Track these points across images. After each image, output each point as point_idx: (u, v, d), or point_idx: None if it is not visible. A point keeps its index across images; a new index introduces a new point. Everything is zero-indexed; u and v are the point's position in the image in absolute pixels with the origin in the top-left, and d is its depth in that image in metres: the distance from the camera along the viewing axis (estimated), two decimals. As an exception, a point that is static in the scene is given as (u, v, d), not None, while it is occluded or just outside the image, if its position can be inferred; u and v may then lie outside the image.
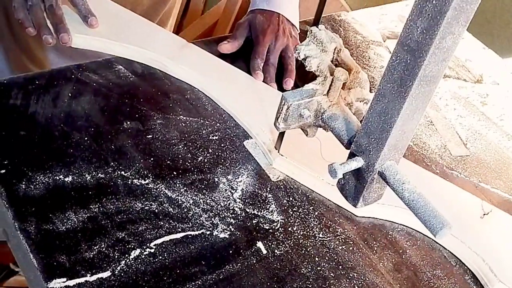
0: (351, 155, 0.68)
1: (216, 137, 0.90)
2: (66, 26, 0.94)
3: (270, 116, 0.85)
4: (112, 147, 0.84)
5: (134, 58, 0.97)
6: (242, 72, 1.01)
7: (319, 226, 0.83)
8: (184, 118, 0.91)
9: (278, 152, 0.87)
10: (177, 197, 0.80)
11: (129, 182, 0.80)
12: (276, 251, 0.78)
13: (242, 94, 0.96)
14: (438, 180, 0.93)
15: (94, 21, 0.96)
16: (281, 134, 0.86)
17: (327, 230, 0.83)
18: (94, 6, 0.98)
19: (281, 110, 0.73)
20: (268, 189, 0.85)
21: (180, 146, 0.87)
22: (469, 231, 0.86)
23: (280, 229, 0.81)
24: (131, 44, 0.97)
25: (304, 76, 0.95)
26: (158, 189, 0.80)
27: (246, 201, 0.83)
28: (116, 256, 0.72)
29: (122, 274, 0.70)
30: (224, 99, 0.95)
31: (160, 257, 0.73)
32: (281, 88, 1.01)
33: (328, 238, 0.82)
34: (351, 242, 0.82)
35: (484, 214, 0.90)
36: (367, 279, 0.78)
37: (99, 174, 0.80)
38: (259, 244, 0.78)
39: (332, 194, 0.86)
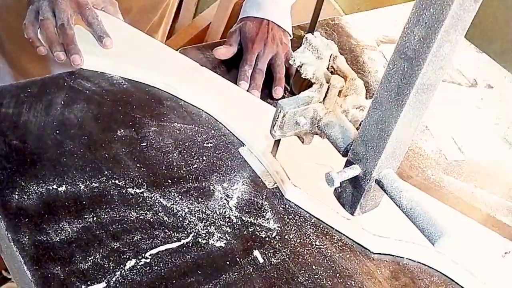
0: (348, 163, 0.68)
1: (211, 144, 0.89)
2: (77, 46, 0.92)
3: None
4: (106, 155, 0.83)
5: (145, 81, 0.95)
6: (261, 101, 0.98)
7: (315, 233, 0.82)
8: (179, 125, 0.90)
9: (274, 156, 0.87)
10: (172, 205, 0.79)
11: (124, 191, 0.79)
12: (272, 259, 0.77)
13: (259, 125, 0.91)
14: (459, 216, 0.90)
15: (108, 41, 0.95)
16: (277, 142, 0.85)
17: (323, 237, 0.82)
18: (106, 27, 0.96)
19: (277, 118, 0.73)
20: (264, 196, 0.85)
21: (174, 154, 0.86)
22: (489, 271, 0.83)
23: (276, 237, 0.80)
24: (143, 67, 0.95)
25: (300, 84, 0.94)
26: (153, 198, 0.79)
27: (242, 209, 0.82)
28: (111, 267, 0.71)
29: (118, 285, 0.69)
30: (239, 130, 0.92)
31: (156, 267, 0.72)
32: (271, 97, 1.00)
33: (325, 246, 0.81)
34: (348, 250, 0.82)
35: (505, 253, 0.87)
36: (365, 287, 0.78)
37: (93, 183, 0.79)
38: (256, 253, 0.77)
39: (348, 229, 0.83)
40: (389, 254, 0.83)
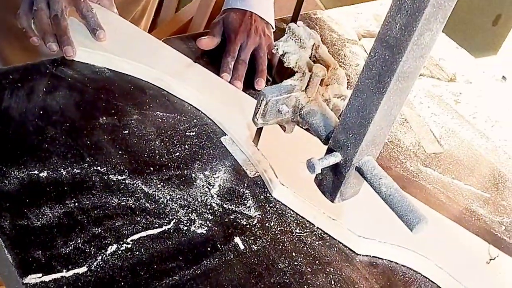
0: (329, 151, 0.69)
1: (193, 133, 0.90)
2: (70, 38, 0.92)
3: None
4: (88, 142, 0.83)
5: (138, 75, 0.95)
6: (248, 96, 0.98)
7: (296, 221, 0.83)
8: (161, 114, 0.91)
9: (255, 146, 0.87)
10: (154, 192, 0.80)
11: (105, 178, 0.79)
12: (253, 246, 0.78)
13: (246, 118, 0.92)
14: (443, 221, 0.91)
15: (102, 34, 0.94)
16: (259, 131, 0.86)
17: (304, 225, 0.83)
18: (101, 20, 0.96)
19: (260, 106, 0.73)
20: (245, 185, 0.85)
21: (157, 142, 0.86)
22: (473, 276, 0.83)
23: (257, 224, 0.81)
24: (136, 61, 0.95)
25: (283, 72, 0.95)
26: (135, 185, 0.80)
27: (224, 196, 0.83)
28: (93, 252, 0.71)
29: (99, 269, 0.70)
30: (227, 123, 0.92)
31: (137, 253, 0.73)
32: (253, 88, 1.01)
33: (305, 234, 0.82)
34: (328, 238, 0.83)
35: (490, 259, 0.87)
36: (344, 273, 0.79)
37: (75, 170, 0.79)
38: (237, 240, 0.78)
39: (332, 228, 0.83)
40: (374, 256, 0.83)
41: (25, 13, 0.94)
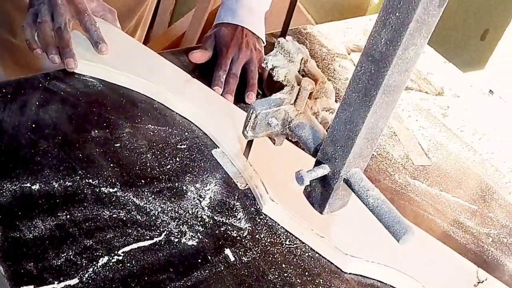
0: (318, 163, 0.70)
1: (184, 146, 0.91)
2: (72, 51, 0.93)
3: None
4: (80, 155, 0.84)
5: (137, 89, 0.96)
6: (239, 110, 0.99)
7: (286, 233, 0.84)
8: (152, 127, 0.92)
9: (246, 158, 0.89)
10: (145, 205, 0.80)
11: (97, 190, 0.80)
12: (243, 258, 0.79)
13: (237, 131, 0.92)
14: (433, 241, 0.90)
15: (104, 47, 0.96)
16: (249, 143, 0.87)
17: (294, 237, 0.84)
18: (104, 34, 0.98)
19: (249, 119, 0.75)
20: (236, 197, 0.86)
21: (148, 155, 0.87)
22: None
23: (247, 236, 0.82)
24: (136, 75, 0.96)
25: (272, 86, 0.97)
26: (126, 197, 0.80)
27: (214, 209, 0.83)
28: (84, 264, 0.72)
29: (90, 281, 0.70)
30: (223, 139, 0.93)
31: (128, 265, 0.73)
32: (244, 101, 1.02)
33: (295, 245, 0.83)
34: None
35: (478, 282, 0.87)
36: (333, 285, 0.80)
37: (67, 182, 0.80)
38: (227, 251, 0.79)
39: (320, 246, 0.83)
40: (361, 275, 0.83)
41: (29, 25, 0.96)
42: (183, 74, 1.01)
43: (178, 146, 0.90)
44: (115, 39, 1.00)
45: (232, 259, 0.78)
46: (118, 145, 0.87)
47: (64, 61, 0.92)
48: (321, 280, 0.80)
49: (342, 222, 0.85)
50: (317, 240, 0.83)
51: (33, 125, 0.85)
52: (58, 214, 0.76)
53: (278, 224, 0.85)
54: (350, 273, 0.82)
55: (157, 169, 0.86)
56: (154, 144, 0.89)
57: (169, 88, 0.96)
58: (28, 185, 0.77)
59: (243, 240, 0.81)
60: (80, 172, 0.81)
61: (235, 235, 0.81)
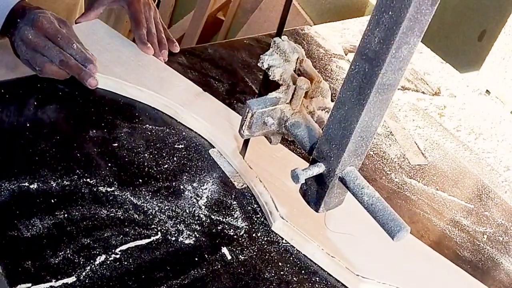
0: (313, 161, 0.71)
1: (182, 146, 0.91)
2: (86, 70, 0.91)
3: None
4: (78, 155, 0.84)
5: (148, 102, 0.95)
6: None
7: (282, 232, 0.85)
8: (150, 127, 0.92)
9: (243, 157, 0.89)
10: (142, 204, 0.81)
11: (95, 190, 0.81)
12: (240, 256, 0.80)
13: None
14: (446, 264, 0.88)
15: (94, 69, 0.92)
16: (246, 142, 0.87)
17: (290, 236, 0.85)
18: (116, 47, 0.98)
19: (246, 118, 0.75)
20: (233, 196, 0.87)
21: (146, 154, 0.88)
22: None
23: (244, 235, 0.82)
24: (146, 88, 0.95)
25: (268, 85, 0.97)
26: (124, 196, 0.81)
27: (211, 208, 0.84)
28: (82, 262, 0.72)
29: (87, 279, 0.71)
30: (236, 156, 0.91)
31: (125, 263, 0.74)
32: (240, 101, 1.02)
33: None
34: (314, 248, 0.84)
35: None
36: (329, 283, 0.80)
37: (65, 181, 0.80)
38: (224, 250, 0.80)
39: (331, 267, 0.81)
40: None
41: (42, 64, 0.90)
42: (196, 88, 1.00)
43: (176, 146, 0.91)
44: (127, 52, 1.00)
45: (229, 257, 0.79)
46: (116, 144, 0.88)
47: (86, 82, 0.91)
48: (317, 278, 0.80)
49: (353, 241, 0.84)
50: (328, 261, 0.81)
51: (32, 125, 0.86)
52: (56, 213, 0.76)
53: (275, 223, 0.85)
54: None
55: (155, 169, 0.86)
56: (152, 143, 0.90)
57: (180, 102, 0.95)
58: (26, 184, 0.78)
59: (240, 239, 0.82)
60: (78, 171, 0.82)
61: (232, 233, 0.82)
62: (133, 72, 0.97)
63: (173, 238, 0.79)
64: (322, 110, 0.78)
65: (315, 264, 0.82)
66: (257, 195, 0.88)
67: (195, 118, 0.94)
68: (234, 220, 0.84)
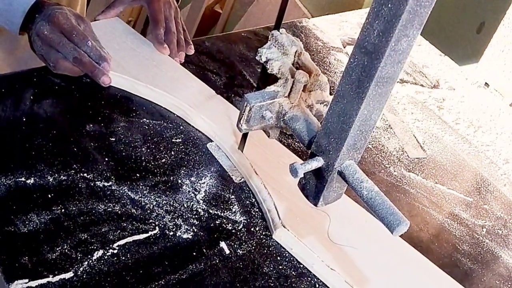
0: (312, 155, 0.70)
1: (180, 140, 0.91)
2: (100, 68, 0.91)
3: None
4: (75, 149, 0.84)
5: (158, 102, 0.95)
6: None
7: (281, 226, 0.84)
8: (147, 121, 0.92)
9: (241, 151, 0.89)
10: (140, 198, 0.81)
11: (92, 184, 0.80)
12: (238, 251, 0.79)
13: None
14: (450, 282, 0.86)
15: (107, 67, 0.92)
16: (244, 136, 0.87)
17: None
18: (132, 45, 0.97)
19: (243, 112, 0.74)
20: (231, 190, 0.86)
21: (143, 149, 0.87)
22: None
23: (242, 229, 0.82)
24: (158, 88, 0.94)
25: (266, 79, 0.97)
26: (121, 191, 0.81)
27: (209, 202, 0.84)
28: (79, 257, 0.72)
29: (85, 274, 0.70)
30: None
31: (123, 258, 0.73)
32: (238, 95, 1.02)
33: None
34: (312, 242, 0.84)
35: None
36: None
37: (62, 176, 0.80)
38: (222, 244, 0.79)
39: (330, 278, 0.80)
40: None
41: (57, 60, 0.90)
42: (208, 89, 0.99)
43: (173, 140, 0.90)
44: (140, 50, 0.99)
45: (227, 252, 0.79)
46: (113, 139, 0.87)
47: (99, 81, 0.91)
48: (315, 273, 0.80)
49: (353, 252, 0.83)
50: (327, 272, 0.80)
51: (28, 120, 0.85)
52: (53, 208, 0.76)
53: (273, 217, 0.85)
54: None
55: (152, 163, 0.86)
56: (149, 138, 0.89)
57: (191, 103, 0.94)
58: (23, 179, 0.77)
59: (238, 233, 0.81)
60: (75, 166, 0.81)
61: (230, 228, 0.81)
62: (147, 72, 0.96)
63: (171, 233, 0.78)
64: (320, 104, 0.77)
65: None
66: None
67: (203, 119, 0.93)
68: (232, 215, 0.83)
